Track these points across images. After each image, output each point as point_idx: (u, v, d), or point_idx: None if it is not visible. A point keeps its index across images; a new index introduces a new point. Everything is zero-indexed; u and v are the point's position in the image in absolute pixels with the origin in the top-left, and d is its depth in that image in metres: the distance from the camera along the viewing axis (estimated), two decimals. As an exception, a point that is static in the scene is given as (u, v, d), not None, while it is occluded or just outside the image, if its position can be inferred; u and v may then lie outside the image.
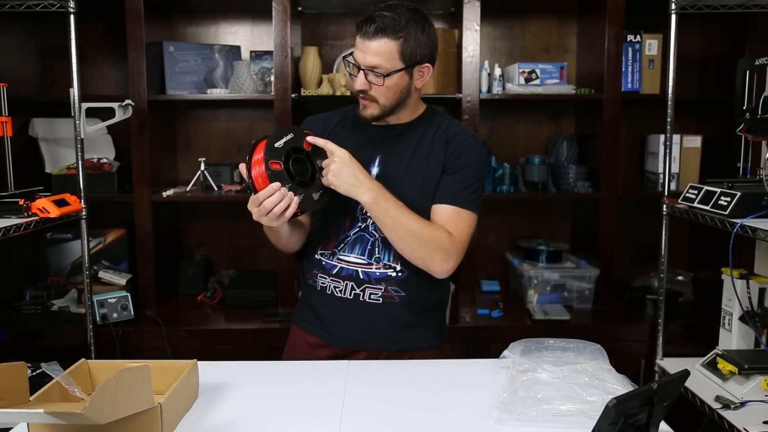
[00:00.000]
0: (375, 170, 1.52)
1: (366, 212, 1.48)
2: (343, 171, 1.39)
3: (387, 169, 1.52)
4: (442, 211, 1.49)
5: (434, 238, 1.44)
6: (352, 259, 1.52)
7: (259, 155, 1.38)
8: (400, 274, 1.51)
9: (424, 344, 1.58)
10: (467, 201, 1.50)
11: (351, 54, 1.47)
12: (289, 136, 1.41)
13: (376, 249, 1.51)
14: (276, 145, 1.38)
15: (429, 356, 1.56)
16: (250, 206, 1.39)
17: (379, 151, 1.53)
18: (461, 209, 1.49)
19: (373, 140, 1.54)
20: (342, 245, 1.53)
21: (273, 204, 1.34)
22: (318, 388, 1.33)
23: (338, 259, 1.53)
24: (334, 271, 1.54)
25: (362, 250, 1.52)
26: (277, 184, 1.35)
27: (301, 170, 1.42)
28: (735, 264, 1.83)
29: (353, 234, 1.53)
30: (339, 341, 1.55)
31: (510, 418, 1.16)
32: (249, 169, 1.38)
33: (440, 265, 1.46)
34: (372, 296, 1.52)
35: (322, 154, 1.44)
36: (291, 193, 1.36)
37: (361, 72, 1.44)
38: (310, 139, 1.43)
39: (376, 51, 1.42)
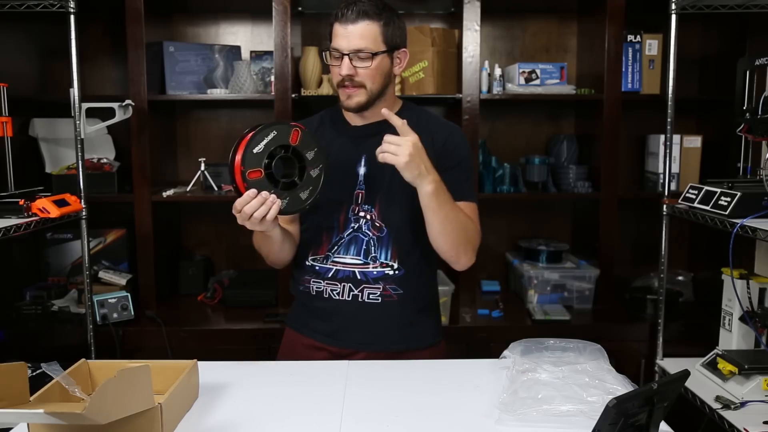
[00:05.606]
0: (362, 170, 1.51)
1: (358, 212, 1.49)
2: (416, 158, 1.34)
3: (374, 169, 1.50)
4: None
5: (473, 232, 1.50)
6: (348, 260, 1.52)
7: (239, 157, 1.31)
8: (397, 272, 1.51)
9: (423, 343, 1.58)
10: (471, 193, 1.55)
11: (328, 49, 1.48)
12: (272, 135, 1.33)
13: (372, 248, 1.51)
14: (255, 150, 1.31)
15: (426, 355, 1.56)
16: (234, 211, 1.34)
17: (363, 150, 1.51)
18: (471, 203, 1.53)
19: (357, 139, 1.53)
20: (336, 247, 1.53)
21: (253, 209, 1.31)
22: (318, 388, 1.33)
23: (333, 261, 1.53)
24: (330, 274, 1.53)
25: (357, 250, 1.51)
26: (253, 191, 1.30)
27: (287, 169, 1.37)
28: (735, 264, 1.83)
29: (347, 235, 1.52)
30: (337, 343, 1.55)
31: (510, 419, 1.16)
32: (232, 173, 1.32)
33: (469, 255, 1.51)
34: (371, 296, 1.52)
35: (310, 145, 1.39)
36: (273, 196, 1.32)
37: (346, 57, 1.44)
38: (384, 111, 1.36)
39: (361, 33, 1.43)
